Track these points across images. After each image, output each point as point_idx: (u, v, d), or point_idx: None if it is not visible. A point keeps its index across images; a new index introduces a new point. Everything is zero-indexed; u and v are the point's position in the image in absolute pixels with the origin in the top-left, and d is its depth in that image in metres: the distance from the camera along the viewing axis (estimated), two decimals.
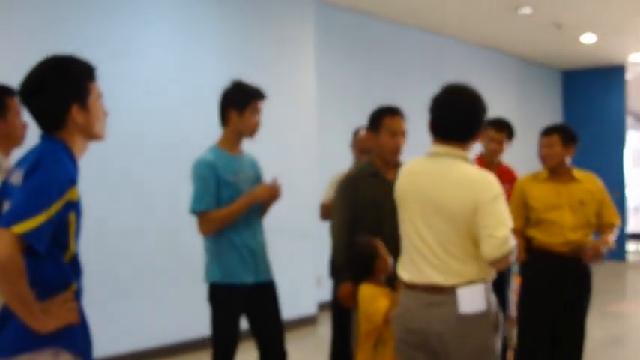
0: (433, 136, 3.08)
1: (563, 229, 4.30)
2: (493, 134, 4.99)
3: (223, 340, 3.85)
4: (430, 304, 2.93)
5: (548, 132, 4.57)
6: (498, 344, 3.02)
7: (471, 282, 2.91)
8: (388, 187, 3.91)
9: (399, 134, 3.96)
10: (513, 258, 2.97)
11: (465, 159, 3.01)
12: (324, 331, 7.19)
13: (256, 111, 3.92)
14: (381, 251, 3.58)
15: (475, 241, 2.90)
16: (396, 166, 4.02)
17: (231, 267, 3.82)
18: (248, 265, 3.86)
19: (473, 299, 2.90)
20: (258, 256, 3.93)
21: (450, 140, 3.01)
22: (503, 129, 5.07)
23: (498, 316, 3.03)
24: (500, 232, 2.84)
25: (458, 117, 3.02)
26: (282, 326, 4.03)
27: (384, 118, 3.96)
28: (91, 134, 2.46)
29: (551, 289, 4.31)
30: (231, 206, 3.80)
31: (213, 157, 3.86)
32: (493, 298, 3.01)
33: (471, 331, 2.91)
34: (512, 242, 2.89)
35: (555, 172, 4.47)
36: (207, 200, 3.79)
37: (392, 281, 3.49)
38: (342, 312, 3.95)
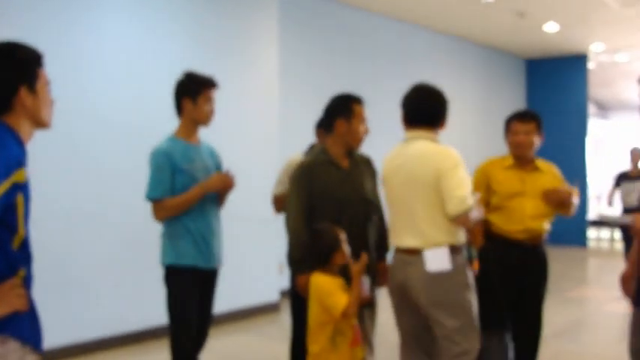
0: (406, 126, 3.71)
1: (523, 216, 4.27)
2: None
3: (179, 320, 3.92)
4: (406, 264, 3.58)
5: (525, 118, 4.42)
6: (473, 300, 3.59)
7: (436, 245, 3.48)
8: (343, 175, 3.92)
9: (365, 122, 3.98)
10: (474, 216, 3.49)
11: (433, 140, 3.61)
12: (287, 318, 7.16)
13: (209, 99, 4.03)
14: (342, 243, 3.54)
15: (442, 208, 3.46)
16: (350, 154, 4.01)
17: (185, 250, 3.93)
18: (201, 251, 3.97)
19: (438, 260, 3.48)
20: (210, 244, 4.02)
21: (419, 125, 3.64)
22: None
23: (469, 275, 3.60)
24: (460, 192, 3.40)
25: (423, 106, 3.67)
26: (211, 312, 4.20)
27: (354, 106, 3.94)
28: (38, 120, 2.43)
29: (508, 275, 4.30)
30: (184, 194, 3.89)
31: (170, 146, 3.96)
32: (462, 261, 3.57)
33: (440, 286, 3.48)
34: (471, 201, 3.42)
35: (521, 159, 4.42)
36: (162, 188, 3.89)
37: (345, 270, 3.52)
38: (301, 301, 3.91)
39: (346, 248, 3.55)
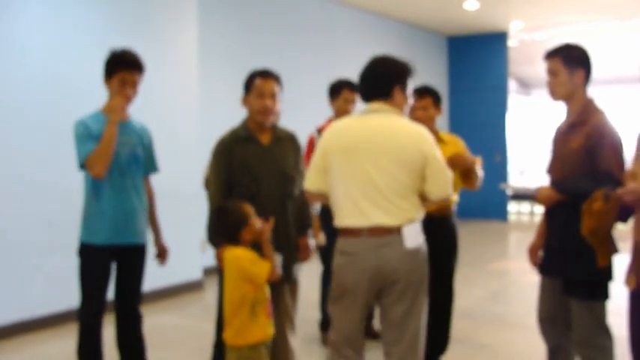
0: (364, 100, 3.48)
1: None
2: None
3: (84, 297, 3.99)
4: (381, 246, 3.26)
5: (421, 94, 4.59)
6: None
7: (411, 220, 3.31)
8: (263, 150, 3.91)
9: (267, 96, 3.91)
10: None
11: (398, 113, 3.42)
12: (211, 296, 7.15)
13: (127, 82, 3.98)
14: (250, 218, 3.53)
15: (415, 185, 3.30)
16: (271, 129, 3.99)
17: (97, 228, 3.95)
18: (117, 227, 3.97)
19: (414, 235, 3.33)
20: (131, 219, 4.03)
21: (375, 98, 3.42)
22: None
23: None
24: (449, 175, 3.38)
25: (372, 77, 3.46)
26: (140, 290, 4.22)
27: (255, 80, 3.93)
28: None
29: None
30: (102, 137, 3.85)
31: (90, 120, 3.96)
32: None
33: (417, 263, 3.35)
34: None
35: None
36: (87, 146, 3.85)
37: (258, 246, 3.52)
38: None
39: (256, 222, 3.54)
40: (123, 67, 3.95)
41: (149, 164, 4.24)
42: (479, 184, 4.53)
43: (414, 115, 4.51)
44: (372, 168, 3.27)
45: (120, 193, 3.98)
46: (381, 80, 3.43)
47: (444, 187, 3.34)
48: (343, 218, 3.33)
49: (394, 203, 3.26)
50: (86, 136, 3.87)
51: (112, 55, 4.01)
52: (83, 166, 3.89)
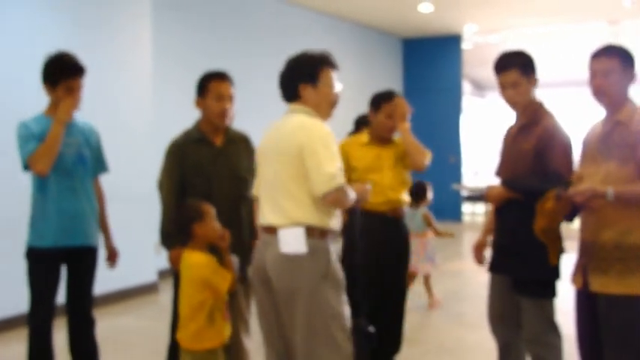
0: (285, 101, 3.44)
1: (383, 188, 4.41)
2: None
3: (33, 301, 3.95)
4: (265, 244, 3.28)
5: (392, 98, 4.55)
6: (333, 296, 3.19)
7: (296, 223, 3.16)
8: (215, 152, 3.92)
9: (225, 98, 3.92)
10: (349, 197, 3.22)
11: (307, 112, 3.32)
12: (166, 298, 7.09)
13: (71, 88, 3.92)
14: (206, 216, 3.52)
15: (304, 185, 3.16)
16: (225, 131, 4.00)
17: (45, 231, 3.91)
18: (64, 229, 3.94)
19: (292, 241, 3.16)
20: (79, 221, 4.00)
21: (289, 99, 3.40)
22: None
23: (333, 266, 3.22)
24: (326, 169, 3.10)
25: (281, 81, 3.43)
26: (91, 292, 4.17)
27: (211, 83, 3.93)
28: None
29: (373, 249, 4.38)
30: (48, 135, 3.81)
31: (33, 122, 3.92)
32: (324, 246, 3.22)
33: (294, 271, 3.16)
34: (341, 180, 3.13)
35: (378, 136, 4.57)
36: (30, 146, 3.82)
37: (215, 249, 3.52)
38: None
39: (214, 223, 3.53)
40: (68, 76, 3.91)
41: (98, 165, 4.20)
42: (423, 159, 4.47)
43: (384, 121, 4.51)
44: (271, 170, 3.30)
45: (66, 194, 3.94)
46: (284, 83, 3.42)
47: (320, 182, 3.10)
48: (259, 217, 3.42)
49: (279, 204, 3.23)
50: (29, 136, 3.82)
51: (51, 62, 3.94)
52: (27, 166, 3.85)
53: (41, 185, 3.91)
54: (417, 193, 6.77)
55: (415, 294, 6.95)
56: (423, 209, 6.95)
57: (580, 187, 3.14)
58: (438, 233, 7.06)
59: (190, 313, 3.46)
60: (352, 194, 3.25)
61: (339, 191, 3.13)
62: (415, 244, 6.58)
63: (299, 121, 3.27)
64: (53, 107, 3.94)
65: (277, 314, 3.28)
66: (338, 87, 3.44)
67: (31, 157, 3.80)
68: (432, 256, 7.04)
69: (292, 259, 3.16)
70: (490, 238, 3.93)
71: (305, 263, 3.16)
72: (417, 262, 6.79)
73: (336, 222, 3.31)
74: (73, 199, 3.96)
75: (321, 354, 3.15)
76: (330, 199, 3.14)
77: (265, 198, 3.33)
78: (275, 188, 3.26)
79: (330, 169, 3.10)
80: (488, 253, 3.93)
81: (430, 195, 7.07)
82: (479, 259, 4.02)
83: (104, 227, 4.29)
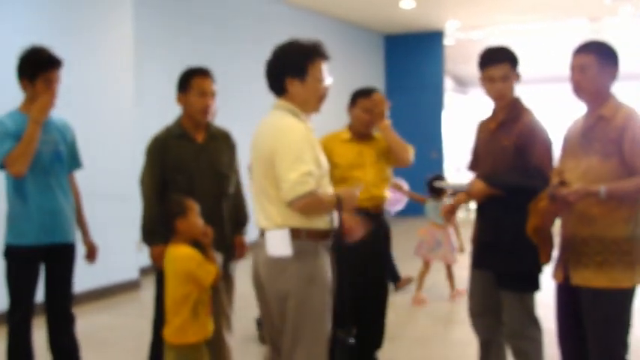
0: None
1: (366, 184, 4.41)
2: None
3: (12, 301, 3.93)
4: (259, 246, 3.20)
5: (369, 94, 4.56)
6: (319, 298, 3.09)
7: (279, 227, 3.06)
8: (197, 148, 3.91)
9: (207, 94, 3.91)
10: (323, 202, 3.07)
11: (290, 110, 3.16)
12: (148, 295, 7.06)
13: (48, 81, 3.86)
14: (189, 211, 3.51)
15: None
16: (207, 127, 3.98)
17: (24, 229, 3.88)
18: (45, 227, 3.90)
19: (277, 243, 3.06)
20: (58, 218, 3.97)
21: (276, 93, 3.23)
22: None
23: (320, 269, 3.11)
24: (292, 175, 2.95)
25: (267, 74, 3.26)
26: (71, 289, 4.12)
27: (193, 79, 3.91)
28: None
29: (355, 245, 4.37)
30: (24, 135, 3.75)
31: (8, 119, 3.86)
32: (312, 248, 3.09)
33: (281, 275, 3.07)
34: (309, 187, 2.96)
35: (358, 132, 4.57)
36: (6, 145, 3.75)
37: (198, 245, 3.51)
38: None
39: (197, 219, 3.52)
40: (46, 68, 3.86)
41: (72, 161, 4.15)
42: (407, 155, 4.53)
43: (364, 117, 4.51)
44: (255, 170, 3.22)
45: (45, 192, 3.90)
46: (271, 75, 3.23)
47: (284, 189, 2.97)
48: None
49: (264, 207, 3.14)
50: (4, 134, 3.76)
51: (28, 55, 3.89)
52: (3, 165, 3.79)
53: (18, 184, 3.86)
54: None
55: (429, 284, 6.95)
56: (446, 200, 6.88)
57: (573, 186, 3.12)
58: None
59: (174, 307, 3.46)
60: (330, 199, 3.10)
61: (307, 198, 2.96)
62: (437, 235, 7.02)
63: (275, 123, 3.12)
64: (29, 103, 3.88)
65: (271, 316, 3.22)
66: (328, 80, 3.24)
67: (8, 158, 3.75)
68: (455, 246, 7.23)
69: (278, 263, 3.08)
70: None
71: (290, 267, 3.06)
72: (430, 252, 7.09)
73: (324, 221, 3.15)
74: (52, 196, 3.93)
75: (300, 356, 3.09)
76: (298, 207, 2.99)
77: (255, 199, 3.24)
78: (260, 190, 3.16)
79: (293, 176, 2.94)
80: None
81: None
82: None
83: (82, 223, 4.25)
